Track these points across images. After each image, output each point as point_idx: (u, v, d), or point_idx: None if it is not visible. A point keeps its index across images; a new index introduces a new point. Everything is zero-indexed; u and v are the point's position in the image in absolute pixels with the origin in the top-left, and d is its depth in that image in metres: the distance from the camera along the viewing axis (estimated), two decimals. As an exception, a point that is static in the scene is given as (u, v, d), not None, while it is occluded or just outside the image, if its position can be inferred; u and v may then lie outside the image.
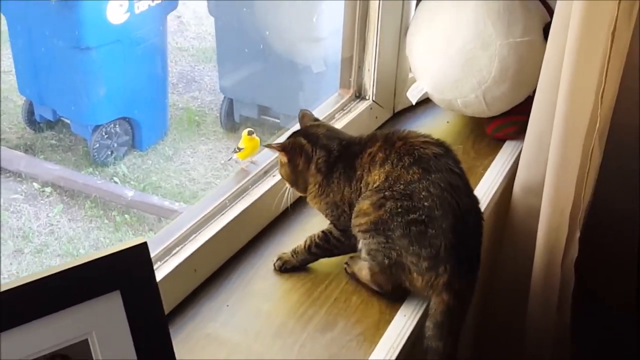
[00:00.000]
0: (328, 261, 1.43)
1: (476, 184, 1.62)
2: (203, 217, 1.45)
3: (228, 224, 1.44)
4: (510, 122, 1.73)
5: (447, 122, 1.85)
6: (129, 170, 4.21)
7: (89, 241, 3.80)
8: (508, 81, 1.64)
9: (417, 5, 1.77)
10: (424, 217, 1.25)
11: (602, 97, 1.36)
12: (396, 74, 1.79)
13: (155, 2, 4.09)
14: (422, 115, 1.86)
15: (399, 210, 1.26)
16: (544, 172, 1.51)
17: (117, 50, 3.93)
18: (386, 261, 1.30)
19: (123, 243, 0.98)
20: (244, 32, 4.17)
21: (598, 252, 1.67)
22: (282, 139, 1.44)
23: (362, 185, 1.32)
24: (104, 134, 4.08)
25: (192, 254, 1.36)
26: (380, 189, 1.29)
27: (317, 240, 1.41)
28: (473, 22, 1.62)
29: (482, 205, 1.56)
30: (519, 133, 1.75)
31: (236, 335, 1.30)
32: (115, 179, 4.14)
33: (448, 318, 1.28)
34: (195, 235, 1.42)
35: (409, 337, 1.29)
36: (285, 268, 1.43)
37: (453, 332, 1.29)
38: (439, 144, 1.33)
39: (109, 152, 4.15)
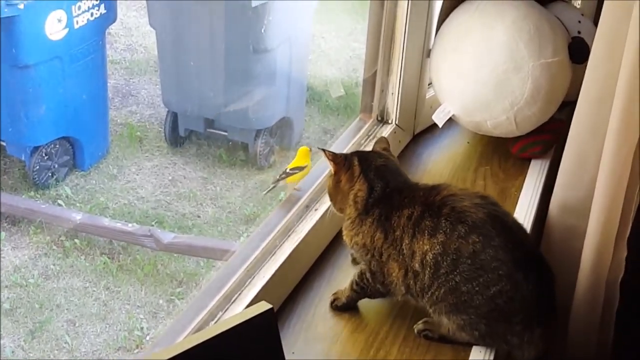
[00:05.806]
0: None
1: (514, 207, 1.61)
2: (260, 252, 1.38)
3: (285, 260, 1.38)
4: (535, 141, 1.73)
5: (468, 142, 1.83)
6: (72, 191, 4.03)
7: (37, 269, 3.62)
8: (539, 101, 1.64)
9: (438, 27, 1.74)
10: (508, 286, 1.20)
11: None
12: (417, 96, 1.76)
13: (94, 16, 3.95)
14: (442, 136, 1.83)
15: (477, 288, 1.21)
16: (586, 191, 1.50)
17: (57, 67, 3.80)
18: (476, 333, 1.26)
19: (243, 312, 0.90)
20: (188, 45, 4.08)
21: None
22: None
23: (404, 247, 1.24)
24: (44, 154, 3.93)
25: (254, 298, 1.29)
26: (442, 265, 1.21)
27: (357, 278, 1.34)
28: (505, 44, 1.60)
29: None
30: (544, 152, 1.76)
31: (312, 385, 1.24)
32: (60, 201, 3.96)
33: None
34: (251, 278, 1.35)
35: (490, 376, 1.27)
36: (337, 306, 1.37)
37: None
38: (485, 202, 1.25)
39: (50, 174, 4.00)
